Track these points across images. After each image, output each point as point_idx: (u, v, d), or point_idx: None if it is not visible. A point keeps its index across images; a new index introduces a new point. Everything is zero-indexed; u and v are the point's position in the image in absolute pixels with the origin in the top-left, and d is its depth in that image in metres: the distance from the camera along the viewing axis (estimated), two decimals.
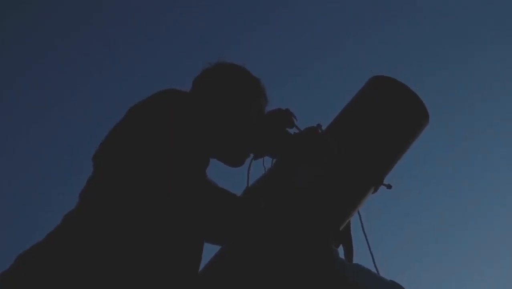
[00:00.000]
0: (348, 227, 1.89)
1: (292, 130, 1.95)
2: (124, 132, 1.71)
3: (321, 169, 1.81)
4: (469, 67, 5.71)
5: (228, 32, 5.93)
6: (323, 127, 1.93)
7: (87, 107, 5.68)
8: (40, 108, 5.72)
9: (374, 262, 1.91)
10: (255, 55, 5.66)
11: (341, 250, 1.87)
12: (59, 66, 5.77)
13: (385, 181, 1.92)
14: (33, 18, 5.70)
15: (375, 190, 1.91)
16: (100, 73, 5.77)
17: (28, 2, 5.65)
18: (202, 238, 1.72)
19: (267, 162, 1.96)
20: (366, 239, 1.94)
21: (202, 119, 1.74)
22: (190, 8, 5.80)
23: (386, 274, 1.87)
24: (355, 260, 1.89)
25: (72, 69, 5.76)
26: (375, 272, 1.88)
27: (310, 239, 1.74)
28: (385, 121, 1.92)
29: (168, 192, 1.61)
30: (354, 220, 1.92)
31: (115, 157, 1.68)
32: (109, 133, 1.74)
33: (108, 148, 1.72)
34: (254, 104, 1.96)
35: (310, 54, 5.83)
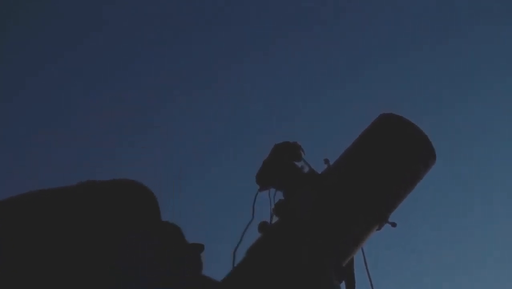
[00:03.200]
0: (351, 263, 1.89)
1: (299, 164, 1.97)
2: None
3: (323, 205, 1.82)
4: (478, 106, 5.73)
5: (240, 59, 5.98)
6: (331, 162, 1.94)
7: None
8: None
9: None
10: (264, 86, 5.71)
11: (343, 286, 1.86)
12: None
13: (390, 219, 1.92)
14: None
15: (380, 227, 1.91)
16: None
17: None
18: None
19: (273, 194, 1.96)
20: (369, 276, 1.93)
21: None
22: (189, 38, 5.86)
23: None
24: None
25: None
26: None
27: (312, 275, 1.73)
28: (392, 160, 1.92)
29: None
30: (357, 256, 1.92)
31: None
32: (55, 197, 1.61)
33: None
34: None
35: (319, 87, 5.86)
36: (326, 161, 1.93)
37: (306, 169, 1.94)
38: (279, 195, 1.94)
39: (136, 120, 5.75)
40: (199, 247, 1.72)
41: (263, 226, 1.84)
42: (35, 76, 5.78)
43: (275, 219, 1.89)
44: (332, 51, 5.93)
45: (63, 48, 5.78)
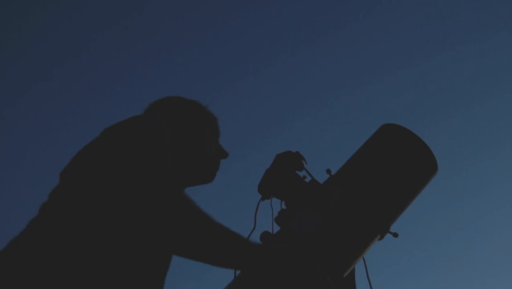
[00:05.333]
0: (352, 273, 1.89)
1: (301, 173, 1.97)
2: (95, 152, 1.70)
3: (325, 216, 1.82)
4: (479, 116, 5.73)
5: (243, 71, 5.99)
6: (333, 172, 1.94)
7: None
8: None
9: None
10: (266, 97, 5.72)
11: None
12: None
13: (392, 229, 1.92)
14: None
15: (381, 238, 1.91)
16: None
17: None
18: (169, 255, 1.77)
19: (275, 203, 1.97)
20: (370, 286, 1.93)
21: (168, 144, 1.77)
22: (193, 47, 5.89)
23: None
24: None
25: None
26: None
27: (312, 286, 1.73)
28: (394, 170, 1.93)
29: (134, 208, 1.59)
30: (358, 266, 1.92)
31: (84, 173, 1.67)
32: (80, 151, 1.74)
33: (77, 164, 1.71)
34: (207, 129, 2.10)
35: (322, 97, 5.87)
36: (328, 171, 1.94)
37: (308, 178, 1.95)
38: (280, 204, 1.95)
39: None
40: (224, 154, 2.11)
41: (265, 236, 1.84)
42: (43, 78, 5.80)
43: (276, 228, 1.90)
44: (335, 61, 5.94)
45: (66, 51, 5.80)
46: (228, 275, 1.82)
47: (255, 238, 1.85)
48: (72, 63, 5.78)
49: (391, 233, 1.91)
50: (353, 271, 1.89)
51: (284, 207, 1.95)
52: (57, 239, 1.57)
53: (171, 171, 1.67)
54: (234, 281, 1.79)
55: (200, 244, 1.63)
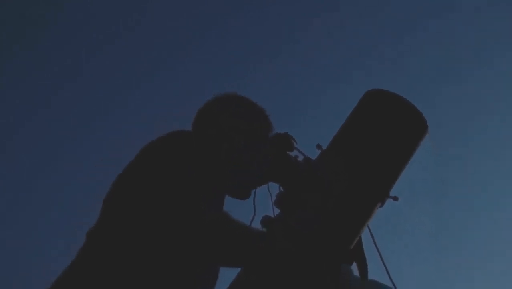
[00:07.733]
0: (359, 243, 1.88)
1: (293, 153, 1.96)
2: (132, 175, 1.76)
3: (324, 213, 1.82)
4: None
5: (229, 62, 5.98)
6: (323, 147, 1.93)
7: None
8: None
9: (389, 276, 1.90)
10: (250, 80, 5.71)
11: (354, 268, 1.86)
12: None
13: (391, 193, 1.92)
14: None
15: (382, 204, 1.91)
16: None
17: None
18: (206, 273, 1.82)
19: (272, 187, 1.96)
20: (379, 253, 1.93)
21: (206, 160, 1.80)
22: (191, 43, 5.88)
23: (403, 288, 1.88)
24: (370, 276, 1.88)
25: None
26: (392, 287, 1.88)
27: (319, 261, 1.74)
28: (384, 133, 1.92)
29: (173, 233, 1.66)
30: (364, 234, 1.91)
31: (123, 199, 1.74)
32: (119, 175, 1.80)
33: (117, 189, 1.78)
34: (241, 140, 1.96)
35: (303, 75, 5.86)
36: (319, 147, 1.93)
37: (300, 157, 1.94)
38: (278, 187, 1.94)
39: (138, 123, 5.72)
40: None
41: (266, 220, 1.83)
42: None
43: (276, 211, 1.89)
44: (320, 42, 5.91)
45: (65, 51, 5.78)
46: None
47: (256, 223, 1.86)
48: (72, 63, 5.77)
49: (391, 197, 1.91)
50: (360, 241, 1.89)
51: (281, 189, 1.94)
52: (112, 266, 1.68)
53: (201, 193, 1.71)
54: (236, 281, 1.80)
55: (224, 255, 1.73)
